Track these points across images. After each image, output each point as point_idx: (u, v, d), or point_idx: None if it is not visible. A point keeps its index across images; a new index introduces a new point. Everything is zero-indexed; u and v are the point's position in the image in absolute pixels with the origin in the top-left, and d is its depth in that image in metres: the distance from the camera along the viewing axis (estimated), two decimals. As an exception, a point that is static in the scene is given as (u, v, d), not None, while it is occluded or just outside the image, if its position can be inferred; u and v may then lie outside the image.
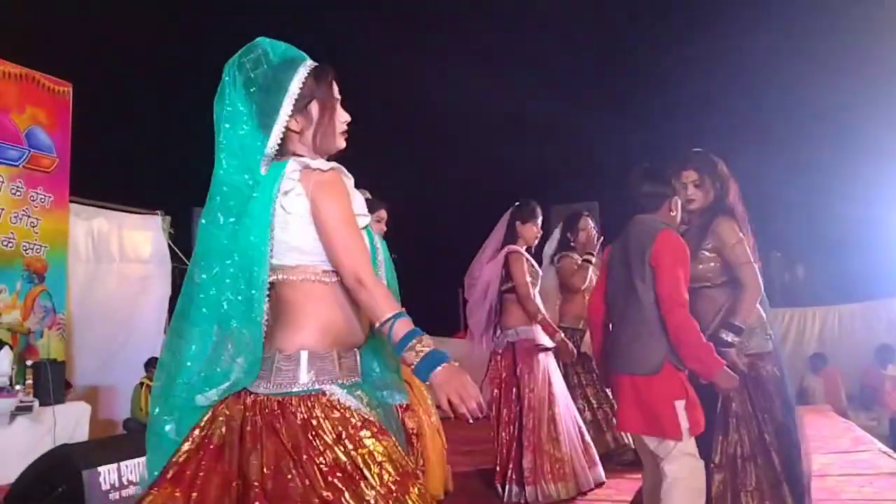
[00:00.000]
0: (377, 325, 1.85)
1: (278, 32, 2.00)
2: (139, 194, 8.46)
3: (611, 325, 3.28)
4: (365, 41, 12.28)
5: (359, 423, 1.84)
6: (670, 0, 12.26)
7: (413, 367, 1.79)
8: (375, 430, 1.85)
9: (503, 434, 4.66)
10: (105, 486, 4.04)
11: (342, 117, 2.02)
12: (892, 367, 8.81)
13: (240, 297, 1.88)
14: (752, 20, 11.24)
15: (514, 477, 4.54)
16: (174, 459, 1.84)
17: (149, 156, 12.13)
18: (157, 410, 1.96)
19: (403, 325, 1.82)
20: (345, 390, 1.89)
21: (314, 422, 1.81)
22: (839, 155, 10.04)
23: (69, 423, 5.51)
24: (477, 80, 11.02)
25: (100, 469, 4.03)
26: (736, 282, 3.30)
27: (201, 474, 1.80)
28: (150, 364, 7.33)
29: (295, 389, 1.85)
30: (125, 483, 4.14)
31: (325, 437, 1.80)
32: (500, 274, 4.80)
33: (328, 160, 1.99)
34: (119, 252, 7.85)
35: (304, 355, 1.88)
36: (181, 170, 11.73)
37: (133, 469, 4.49)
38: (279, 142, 1.94)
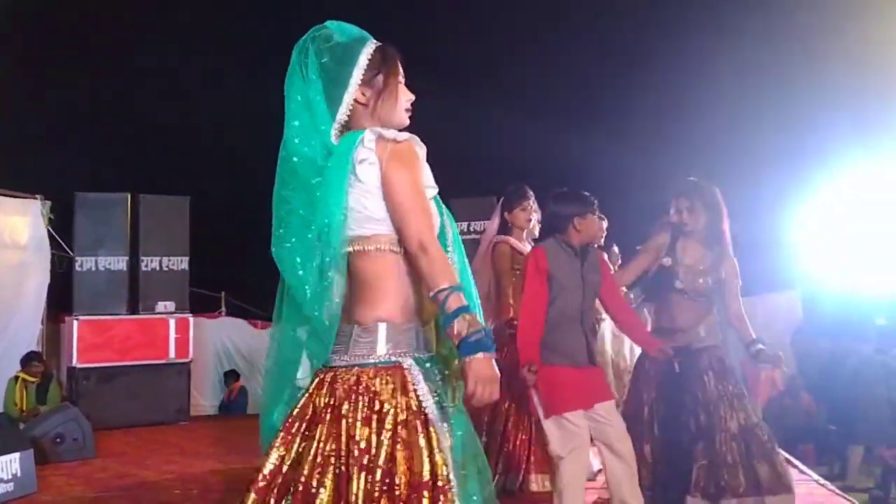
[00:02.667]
0: (432, 293, 1.82)
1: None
2: (18, 178, 8.04)
3: None
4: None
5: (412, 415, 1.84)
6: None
7: (460, 338, 1.77)
8: (420, 426, 1.84)
9: (499, 425, 4.57)
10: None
11: (406, 94, 2.07)
12: (765, 358, 9.33)
13: (316, 269, 1.91)
14: (653, 21, 11.62)
15: (513, 465, 4.52)
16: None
17: (28, 139, 11.52)
18: (266, 400, 2.08)
19: (458, 299, 1.80)
20: (420, 366, 1.90)
21: (377, 405, 1.84)
22: (726, 153, 10.47)
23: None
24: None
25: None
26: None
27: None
28: (29, 359, 7.00)
29: (371, 361, 1.89)
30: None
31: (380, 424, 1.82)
32: (490, 265, 4.69)
33: None
34: (-6, 237, 7.46)
35: (382, 327, 1.91)
36: (63, 154, 11.28)
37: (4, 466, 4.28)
38: (347, 115, 2.00)
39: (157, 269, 7.99)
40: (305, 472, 1.82)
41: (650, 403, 3.95)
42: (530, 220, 4.69)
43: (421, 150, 1.98)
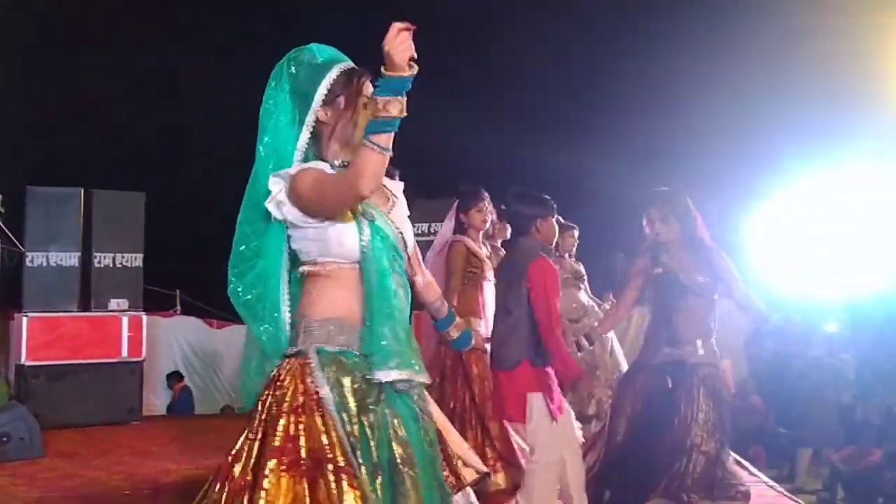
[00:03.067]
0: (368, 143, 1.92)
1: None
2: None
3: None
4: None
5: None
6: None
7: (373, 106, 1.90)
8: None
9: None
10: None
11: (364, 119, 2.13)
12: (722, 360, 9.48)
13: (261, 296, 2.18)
14: (611, 26, 11.73)
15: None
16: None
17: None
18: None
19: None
20: (326, 356, 2.08)
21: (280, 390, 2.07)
22: (683, 159, 10.60)
23: None
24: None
25: None
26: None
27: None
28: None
29: (289, 352, 2.13)
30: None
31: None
32: (444, 264, 4.71)
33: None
34: (-60, 231, 7.27)
35: (302, 323, 2.13)
36: (14, 147, 11.01)
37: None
38: (309, 136, 2.12)
39: (111, 265, 7.83)
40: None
41: (630, 416, 3.98)
42: (486, 220, 4.73)
43: (317, 166, 2.12)
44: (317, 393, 2.03)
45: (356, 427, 2.02)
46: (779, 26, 9.78)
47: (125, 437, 7.09)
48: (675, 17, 11.32)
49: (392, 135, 1.93)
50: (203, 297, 10.51)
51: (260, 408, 2.06)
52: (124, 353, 7.76)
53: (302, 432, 1.99)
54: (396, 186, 2.32)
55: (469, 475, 3.77)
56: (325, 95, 2.09)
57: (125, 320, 7.78)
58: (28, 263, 7.56)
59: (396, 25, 1.85)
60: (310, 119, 2.09)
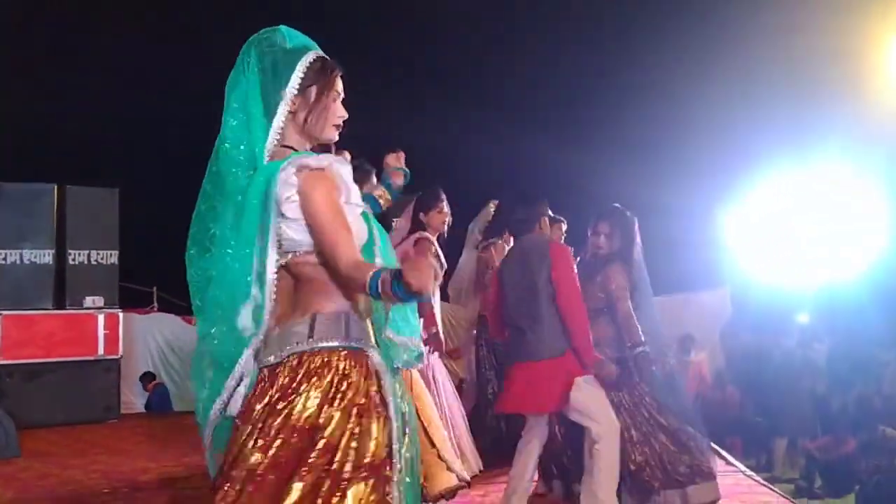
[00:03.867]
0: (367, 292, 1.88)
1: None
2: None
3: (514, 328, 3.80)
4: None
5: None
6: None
7: (386, 287, 1.82)
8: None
9: None
10: None
11: (339, 111, 2.10)
12: (695, 353, 9.57)
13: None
14: (588, 26, 11.76)
15: None
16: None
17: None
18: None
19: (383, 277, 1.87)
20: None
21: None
22: (660, 158, 10.68)
23: None
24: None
25: None
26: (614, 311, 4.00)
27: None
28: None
29: (299, 349, 1.98)
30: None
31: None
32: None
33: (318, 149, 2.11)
34: None
35: (345, 316, 2.02)
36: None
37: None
38: (282, 123, 2.03)
39: (85, 262, 7.76)
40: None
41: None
42: (445, 222, 4.75)
43: (344, 170, 2.03)
44: (376, 394, 1.97)
45: (397, 425, 2.00)
46: (758, 24, 9.85)
47: (102, 435, 7.03)
48: (655, 17, 11.38)
49: None
50: (180, 294, 10.39)
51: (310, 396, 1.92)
52: (100, 350, 7.70)
53: (357, 436, 1.90)
54: (346, 171, 2.15)
55: (449, 481, 3.80)
56: (299, 83, 2.02)
57: (101, 318, 7.71)
58: (1, 261, 7.46)
59: (422, 262, 1.82)
60: (282, 109, 2.02)
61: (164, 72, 11.61)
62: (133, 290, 9.70)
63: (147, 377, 9.19)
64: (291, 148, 2.06)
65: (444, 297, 5.38)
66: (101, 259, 7.84)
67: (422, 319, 4.65)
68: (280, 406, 1.90)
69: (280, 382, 1.93)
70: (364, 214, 2.10)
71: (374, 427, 1.92)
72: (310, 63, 2.04)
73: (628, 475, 3.87)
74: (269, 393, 1.93)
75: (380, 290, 1.81)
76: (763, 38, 9.76)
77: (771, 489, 4.79)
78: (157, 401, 9.05)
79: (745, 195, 10.49)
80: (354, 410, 1.91)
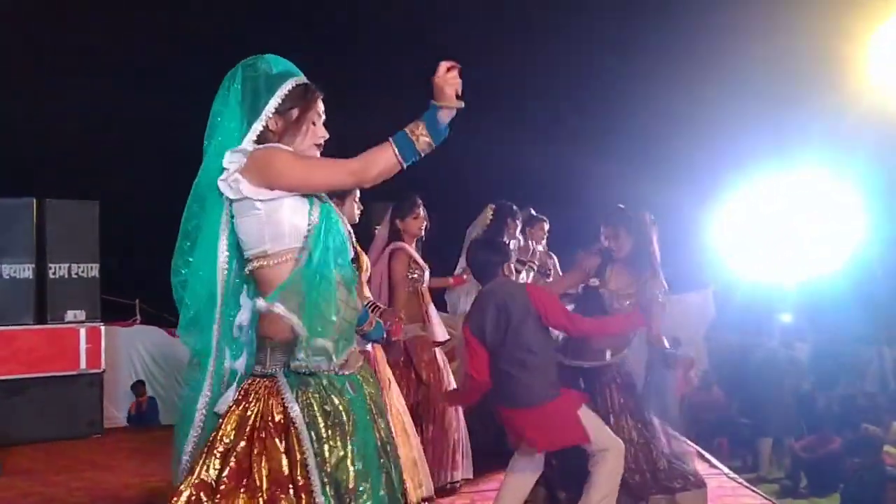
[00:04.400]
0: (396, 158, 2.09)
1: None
2: None
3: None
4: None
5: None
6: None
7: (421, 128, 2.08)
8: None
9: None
10: None
11: (319, 131, 2.21)
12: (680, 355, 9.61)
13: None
14: (566, 24, 11.79)
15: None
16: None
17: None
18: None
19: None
20: (292, 377, 2.09)
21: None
22: (645, 160, 10.73)
23: None
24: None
25: None
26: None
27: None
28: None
29: (257, 372, 2.13)
30: None
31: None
32: (387, 272, 4.71)
33: None
34: None
35: (267, 342, 2.12)
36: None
37: None
38: (254, 140, 2.12)
39: (66, 276, 7.67)
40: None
41: None
42: (422, 228, 4.81)
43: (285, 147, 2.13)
44: (282, 414, 2.04)
45: (327, 446, 2.04)
46: (740, 27, 9.94)
47: (86, 451, 6.95)
48: (639, 20, 11.45)
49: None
50: (163, 306, 10.34)
51: (222, 427, 2.05)
52: (83, 365, 7.61)
53: (264, 453, 2.01)
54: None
55: (416, 496, 3.80)
56: (279, 104, 2.12)
57: (83, 332, 7.62)
58: (-20, 277, 7.38)
59: (444, 63, 2.07)
60: (257, 125, 2.12)
61: (144, 84, 11.55)
62: (115, 303, 9.62)
63: (138, 386, 9.12)
64: None
65: (443, 309, 5.35)
66: (82, 272, 7.76)
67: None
68: (220, 423, 2.08)
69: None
70: (325, 206, 2.15)
71: (279, 444, 2.01)
72: (291, 88, 2.14)
73: (625, 484, 3.83)
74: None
75: (411, 136, 2.06)
76: (745, 41, 9.86)
77: (754, 492, 4.81)
78: (150, 413, 8.98)
79: (729, 197, 10.57)
80: (255, 434, 2.02)
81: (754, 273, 10.47)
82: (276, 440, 2.01)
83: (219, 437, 2.03)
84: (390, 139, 2.06)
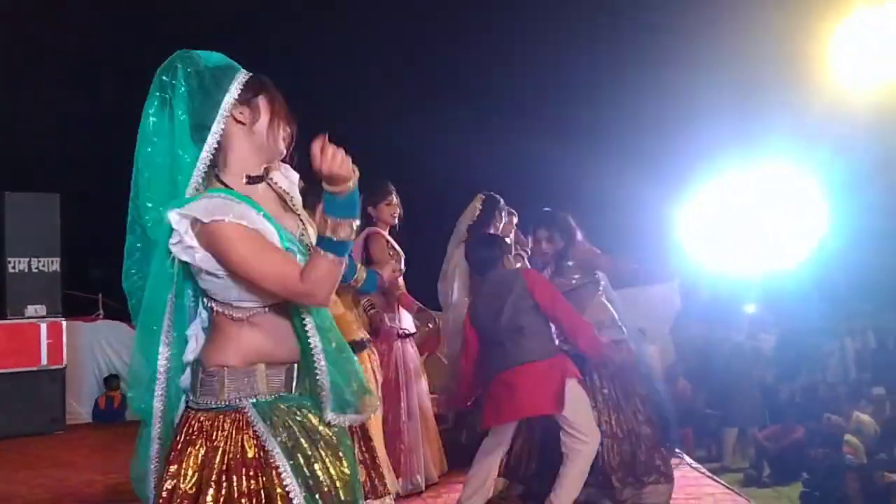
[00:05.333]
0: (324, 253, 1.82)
1: None
2: None
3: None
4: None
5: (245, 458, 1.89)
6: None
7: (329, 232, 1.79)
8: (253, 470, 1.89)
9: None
10: None
11: (285, 128, 2.01)
12: (646, 346, 9.69)
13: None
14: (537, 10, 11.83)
15: None
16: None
17: None
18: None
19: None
20: (262, 408, 1.93)
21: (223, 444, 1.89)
22: (612, 157, 10.79)
23: None
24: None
25: None
26: None
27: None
28: None
29: (214, 405, 1.92)
30: None
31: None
32: (362, 257, 4.65)
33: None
34: None
35: (224, 372, 1.92)
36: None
37: None
38: (219, 137, 1.91)
39: (26, 270, 7.54)
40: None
41: None
42: (394, 214, 4.81)
43: (236, 208, 1.86)
44: (255, 448, 1.90)
45: (318, 465, 1.92)
46: (706, 23, 10.05)
47: (48, 448, 6.86)
48: (607, 17, 11.51)
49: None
50: (126, 300, 10.21)
51: (191, 467, 1.89)
52: (44, 360, 7.50)
53: (243, 495, 1.87)
54: (292, 177, 2.14)
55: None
56: (240, 94, 1.91)
57: (44, 327, 7.51)
58: (-62, 271, 7.24)
59: (315, 145, 1.75)
60: (217, 127, 1.89)
61: (105, 75, 11.38)
62: (78, 297, 9.47)
63: (112, 380, 8.95)
64: (223, 183, 1.95)
65: (437, 308, 5.33)
66: (43, 266, 7.63)
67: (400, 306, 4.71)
68: (171, 470, 1.89)
69: (177, 438, 1.94)
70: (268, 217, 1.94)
71: (255, 482, 1.87)
72: (247, 78, 1.95)
73: (598, 471, 3.91)
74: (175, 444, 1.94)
75: (330, 235, 1.79)
76: (711, 37, 9.96)
77: (717, 481, 4.88)
78: (122, 409, 8.82)
79: (694, 190, 10.68)
80: (225, 475, 1.87)
81: (719, 265, 10.59)
82: (251, 482, 1.87)
83: (182, 486, 1.87)
84: (316, 250, 1.83)
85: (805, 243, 10.01)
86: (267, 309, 1.92)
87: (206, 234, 1.82)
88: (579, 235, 4.35)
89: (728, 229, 10.53)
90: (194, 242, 1.83)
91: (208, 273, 1.87)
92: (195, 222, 1.83)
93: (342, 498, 1.93)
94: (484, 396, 3.86)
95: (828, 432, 7.99)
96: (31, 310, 7.53)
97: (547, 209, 4.45)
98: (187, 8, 10.81)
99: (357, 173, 1.80)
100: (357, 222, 1.85)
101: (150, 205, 1.92)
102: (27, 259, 7.54)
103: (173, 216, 1.83)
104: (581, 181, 9.92)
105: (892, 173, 9.97)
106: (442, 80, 12.32)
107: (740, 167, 10.42)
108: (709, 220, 10.60)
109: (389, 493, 3.62)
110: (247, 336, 1.93)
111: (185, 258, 1.85)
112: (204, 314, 2.00)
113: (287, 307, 1.94)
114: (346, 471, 1.96)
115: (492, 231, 4.36)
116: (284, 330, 1.96)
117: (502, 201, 5.65)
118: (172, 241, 1.84)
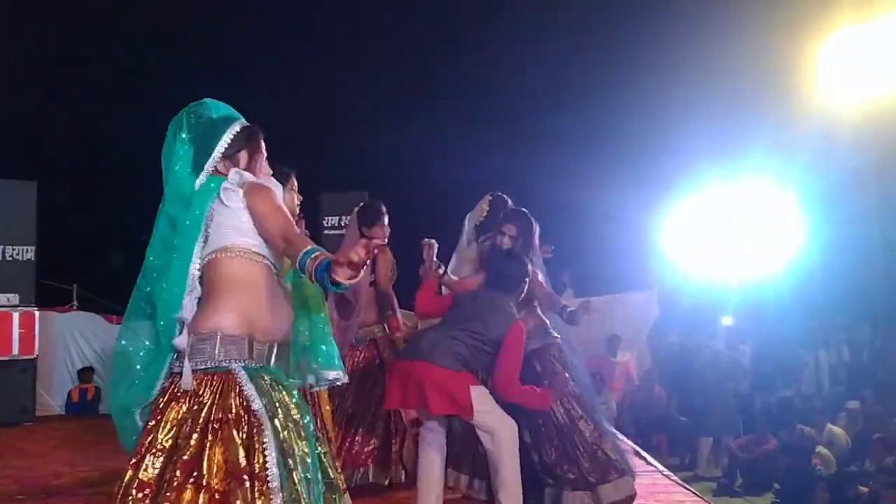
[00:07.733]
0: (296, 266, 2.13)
1: None
2: None
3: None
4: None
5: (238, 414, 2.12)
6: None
7: (312, 267, 2.03)
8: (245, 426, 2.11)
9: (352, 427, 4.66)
10: None
11: (265, 169, 2.41)
12: (621, 354, 9.72)
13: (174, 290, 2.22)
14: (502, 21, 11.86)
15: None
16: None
17: None
18: (121, 399, 2.32)
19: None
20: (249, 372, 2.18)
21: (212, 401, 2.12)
22: (595, 169, 10.83)
23: None
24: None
25: None
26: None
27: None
28: None
29: (203, 367, 2.15)
30: None
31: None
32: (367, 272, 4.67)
33: None
34: None
35: (218, 336, 2.17)
36: None
37: None
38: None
39: (0, 258, 7.44)
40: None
41: None
42: (386, 236, 4.88)
43: (277, 190, 2.34)
44: (242, 407, 2.12)
45: (287, 434, 2.16)
46: (690, 35, 10.12)
47: (17, 438, 6.74)
48: (588, 25, 11.56)
49: None
50: (102, 292, 10.08)
51: (170, 421, 2.10)
52: (15, 350, 7.37)
53: (219, 445, 2.06)
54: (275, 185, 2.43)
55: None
56: (226, 148, 2.30)
57: (16, 316, 7.38)
58: None
59: (367, 245, 1.95)
60: (208, 167, 2.30)
61: (84, 62, 11.26)
62: (51, 287, 9.35)
63: (86, 372, 8.83)
64: None
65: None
66: (17, 255, 7.51)
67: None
68: (150, 424, 2.12)
69: (160, 398, 2.18)
70: None
71: (236, 435, 2.07)
72: (237, 132, 2.33)
73: (545, 470, 3.95)
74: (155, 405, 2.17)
75: (307, 268, 2.03)
76: (695, 49, 10.03)
77: (687, 489, 4.88)
78: (95, 402, 8.71)
79: (674, 200, 10.75)
80: (210, 427, 2.08)
81: (700, 275, 10.67)
82: (235, 431, 2.07)
83: (160, 437, 2.08)
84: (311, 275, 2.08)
85: (783, 255, 10.11)
86: (263, 260, 2.24)
87: (253, 187, 2.25)
88: (536, 246, 4.41)
89: (708, 240, 10.64)
90: (241, 194, 2.23)
91: (228, 217, 2.22)
92: (244, 182, 2.26)
93: (300, 471, 2.13)
94: (393, 376, 3.86)
95: (800, 444, 8.05)
96: (3, 298, 7.40)
97: (523, 209, 4.49)
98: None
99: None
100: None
101: (165, 219, 2.36)
102: (1, 247, 7.43)
103: (232, 175, 2.27)
104: (563, 191, 9.96)
105: (869, 187, 10.09)
106: (431, 91, 12.34)
107: (721, 179, 10.53)
108: (689, 231, 10.70)
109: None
110: (242, 302, 2.21)
111: (231, 201, 2.22)
112: (198, 289, 2.24)
113: (282, 287, 2.28)
114: (306, 449, 2.19)
115: (520, 244, 4.28)
116: (277, 305, 2.27)
117: (510, 202, 5.66)
118: (226, 184, 2.23)
